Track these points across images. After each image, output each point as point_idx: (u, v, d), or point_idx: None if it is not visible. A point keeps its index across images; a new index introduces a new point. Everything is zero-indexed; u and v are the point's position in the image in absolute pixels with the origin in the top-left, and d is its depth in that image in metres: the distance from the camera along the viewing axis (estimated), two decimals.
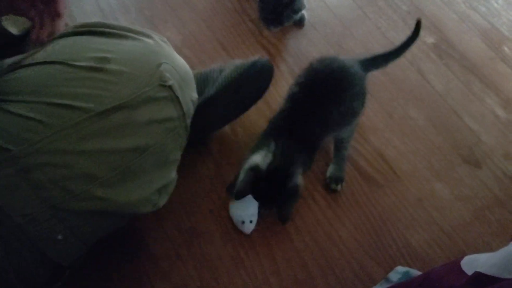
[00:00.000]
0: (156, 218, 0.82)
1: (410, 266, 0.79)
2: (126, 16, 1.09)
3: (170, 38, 1.06)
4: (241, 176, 0.73)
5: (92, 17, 1.06)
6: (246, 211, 0.80)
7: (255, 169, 0.72)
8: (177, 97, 0.64)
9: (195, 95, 0.72)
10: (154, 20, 1.09)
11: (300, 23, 1.10)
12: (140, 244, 0.79)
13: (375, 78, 1.00)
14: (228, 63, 0.88)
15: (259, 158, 0.73)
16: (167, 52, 0.68)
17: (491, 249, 0.83)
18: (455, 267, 0.58)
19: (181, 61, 0.70)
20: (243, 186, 0.72)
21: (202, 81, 0.85)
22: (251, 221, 0.80)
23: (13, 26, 0.64)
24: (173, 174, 0.69)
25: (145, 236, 0.80)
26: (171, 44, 1.04)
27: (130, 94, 0.59)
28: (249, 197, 0.82)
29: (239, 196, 0.73)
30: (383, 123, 0.97)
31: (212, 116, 0.87)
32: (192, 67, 0.83)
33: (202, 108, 0.83)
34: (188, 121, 0.69)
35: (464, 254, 0.63)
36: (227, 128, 0.93)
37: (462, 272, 0.57)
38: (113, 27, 0.67)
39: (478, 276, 0.53)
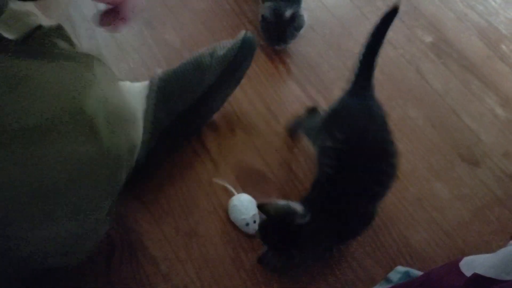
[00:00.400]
0: (154, 220, 0.82)
1: (410, 266, 0.79)
2: None
3: (169, 40, 1.07)
4: (280, 205, 0.70)
5: (91, 21, 1.06)
6: (248, 213, 0.80)
7: (294, 212, 0.69)
8: (98, 132, 0.53)
9: (136, 136, 0.59)
10: (152, 22, 1.09)
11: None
12: (139, 246, 0.79)
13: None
14: (215, 45, 0.87)
15: (301, 209, 0.70)
16: (101, 81, 0.58)
17: (491, 248, 0.83)
18: (454, 268, 0.58)
19: (119, 94, 0.60)
20: (277, 211, 0.70)
21: (195, 69, 0.84)
22: (254, 221, 0.80)
23: (8, 31, 0.63)
24: (88, 225, 0.58)
25: (144, 238, 0.80)
26: (170, 46, 1.05)
27: (37, 119, 0.49)
28: (247, 198, 0.82)
29: (262, 208, 0.71)
30: None
31: (214, 103, 0.87)
32: None
33: (205, 97, 0.83)
34: (122, 166, 0.59)
35: (464, 254, 0.63)
36: (225, 129, 0.93)
37: (461, 273, 0.57)
38: (51, 46, 0.59)
39: (476, 278, 0.53)
